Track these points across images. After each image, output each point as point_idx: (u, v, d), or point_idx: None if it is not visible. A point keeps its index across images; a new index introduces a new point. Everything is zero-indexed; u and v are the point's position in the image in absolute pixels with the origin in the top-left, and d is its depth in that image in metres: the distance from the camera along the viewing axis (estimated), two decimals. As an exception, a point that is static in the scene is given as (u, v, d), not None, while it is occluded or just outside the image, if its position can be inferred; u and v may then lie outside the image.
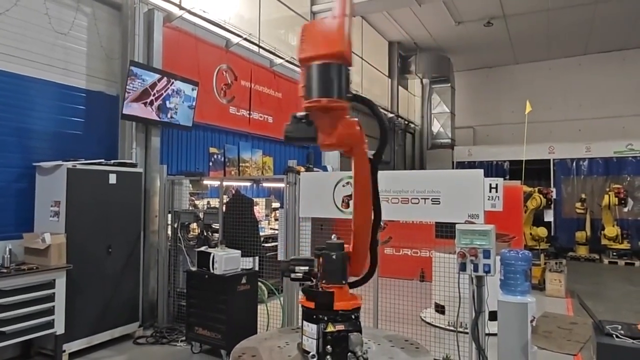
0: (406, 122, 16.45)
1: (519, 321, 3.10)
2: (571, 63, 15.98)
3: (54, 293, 4.60)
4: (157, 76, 6.06)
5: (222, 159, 7.97)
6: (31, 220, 5.05)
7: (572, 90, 15.89)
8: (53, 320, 4.59)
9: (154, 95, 6.02)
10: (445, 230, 4.54)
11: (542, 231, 9.94)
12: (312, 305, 2.66)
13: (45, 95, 5.31)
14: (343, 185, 4.73)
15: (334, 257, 2.66)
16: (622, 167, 13.35)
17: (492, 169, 14.93)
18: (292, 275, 2.75)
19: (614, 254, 11.77)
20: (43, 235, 4.59)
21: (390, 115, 14.81)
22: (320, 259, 2.68)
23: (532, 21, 13.12)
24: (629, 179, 13.17)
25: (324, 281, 2.65)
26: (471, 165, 15.11)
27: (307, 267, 2.72)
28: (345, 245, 2.74)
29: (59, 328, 4.64)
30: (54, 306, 4.60)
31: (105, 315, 5.20)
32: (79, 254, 4.85)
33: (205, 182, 6.84)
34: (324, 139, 2.26)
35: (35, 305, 4.44)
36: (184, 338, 5.33)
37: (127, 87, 5.65)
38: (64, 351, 4.73)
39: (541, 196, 9.94)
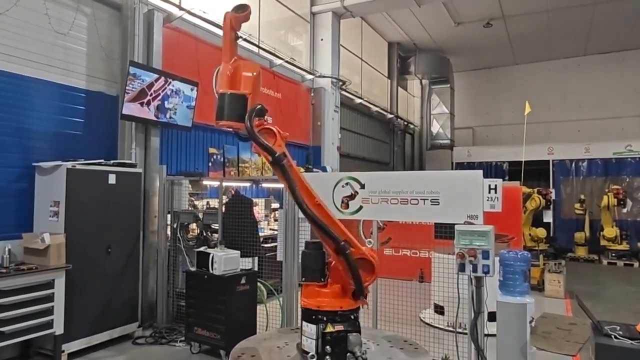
0: (405, 123, 16.48)
1: (518, 322, 3.11)
2: (570, 64, 16.00)
3: (53, 293, 4.59)
4: (155, 76, 6.06)
5: (222, 159, 7.97)
6: (31, 220, 5.04)
7: (571, 91, 15.91)
8: (52, 320, 4.59)
9: (151, 95, 6.01)
10: (445, 231, 4.55)
11: (541, 232, 9.95)
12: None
13: (45, 96, 5.31)
14: (342, 186, 4.73)
15: (301, 254, 2.86)
16: (621, 168, 13.37)
17: (491, 169, 14.95)
18: None
19: (613, 254, 11.77)
20: (42, 235, 4.58)
21: (390, 115, 14.83)
22: None
23: (531, 22, 13.14)
24: (628, 179, 13.19)
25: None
26: (470, 166, 15.12)
27: None
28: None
29: (58, 328, 4.64)
30: (53, 306, 4.60)
31: (105, 315, 5.20)
32: (78, 254, 4.85)
33: (205, 182, 6.84)
34: None
35: (34, 305, 4.43)
36: (183, 338, 5.33)
37: (127, 87, 5.65)
38: (63, 351, 4.72)
39: (540, 197, 9.96)
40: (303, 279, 2.82)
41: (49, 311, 4.57)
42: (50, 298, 4.58)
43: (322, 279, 2.75)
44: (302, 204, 2.64)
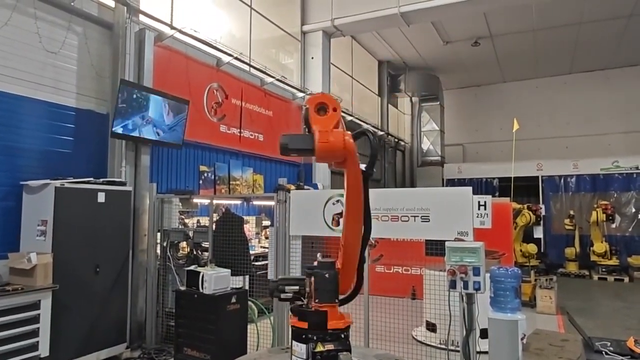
0: (396, 140, 16.59)
1: (509, 339, 3.09)
2: (557, 82, 16.30)
3: (39, 314, 4.50)
4: (148, 95, 6.06)
5: (213, 177, 7.95)
6: (17, 239, 4.96)
7: (558, 109, 16.18)
8: (37, 342, 4.48)
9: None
10: (435, 248, 4.55)
11: (532, 248, 9.99)
12: (304, 325, 2.63)
13: (35, 114, 5.28)
14: (333, 204, 4.74)
15: (327, 276, 2.64)
16: (608, 184, 13.53)
17: (481, 186, 15.05)
18: (282, 296, 2.71)
19: (604, 270, 11.83)
20: (29, 255, 4.50)
21: (381, 133, 14.93)
22: (312, 278, 2.66)
23: (518, 41, 13.41)
24: (615, 195, 13.34)
25: (316, 300, 2.63)
26: (461, 182, 15.22)
27: (297, 287, 2.70)
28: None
29: (44, 350, 4.53)
30: (38, 328, 4.50)
31: (92, 336, 5.09)
32: (65, 274, 4.77)
33: (195, 200, 6.79)
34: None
35: (19, 327, 4.33)
36: (172, 359, 5.23)
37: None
38: (48, 374, 4.61)
39: (530, 213, 10.03)
40: (316, 301, 2.62)
41: (34, 333, 4.47)
42: (35, 319, 4.48)
43: (336, 300, 2.68)
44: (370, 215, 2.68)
